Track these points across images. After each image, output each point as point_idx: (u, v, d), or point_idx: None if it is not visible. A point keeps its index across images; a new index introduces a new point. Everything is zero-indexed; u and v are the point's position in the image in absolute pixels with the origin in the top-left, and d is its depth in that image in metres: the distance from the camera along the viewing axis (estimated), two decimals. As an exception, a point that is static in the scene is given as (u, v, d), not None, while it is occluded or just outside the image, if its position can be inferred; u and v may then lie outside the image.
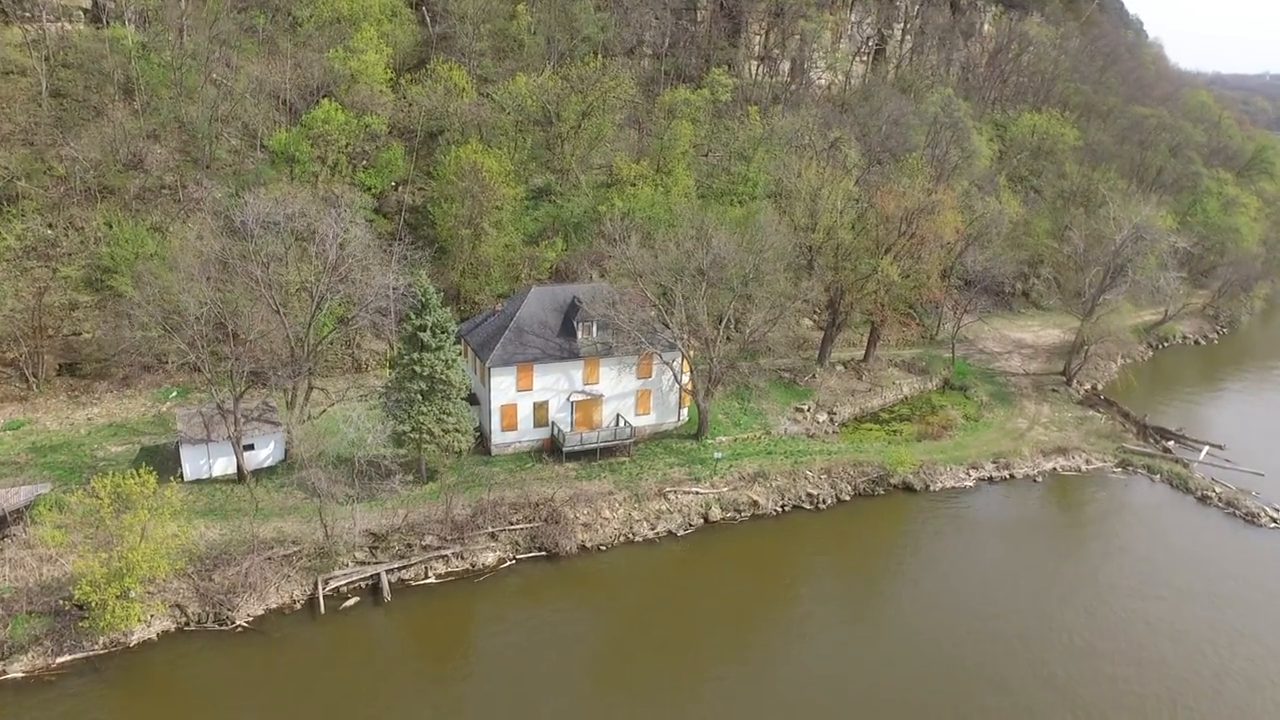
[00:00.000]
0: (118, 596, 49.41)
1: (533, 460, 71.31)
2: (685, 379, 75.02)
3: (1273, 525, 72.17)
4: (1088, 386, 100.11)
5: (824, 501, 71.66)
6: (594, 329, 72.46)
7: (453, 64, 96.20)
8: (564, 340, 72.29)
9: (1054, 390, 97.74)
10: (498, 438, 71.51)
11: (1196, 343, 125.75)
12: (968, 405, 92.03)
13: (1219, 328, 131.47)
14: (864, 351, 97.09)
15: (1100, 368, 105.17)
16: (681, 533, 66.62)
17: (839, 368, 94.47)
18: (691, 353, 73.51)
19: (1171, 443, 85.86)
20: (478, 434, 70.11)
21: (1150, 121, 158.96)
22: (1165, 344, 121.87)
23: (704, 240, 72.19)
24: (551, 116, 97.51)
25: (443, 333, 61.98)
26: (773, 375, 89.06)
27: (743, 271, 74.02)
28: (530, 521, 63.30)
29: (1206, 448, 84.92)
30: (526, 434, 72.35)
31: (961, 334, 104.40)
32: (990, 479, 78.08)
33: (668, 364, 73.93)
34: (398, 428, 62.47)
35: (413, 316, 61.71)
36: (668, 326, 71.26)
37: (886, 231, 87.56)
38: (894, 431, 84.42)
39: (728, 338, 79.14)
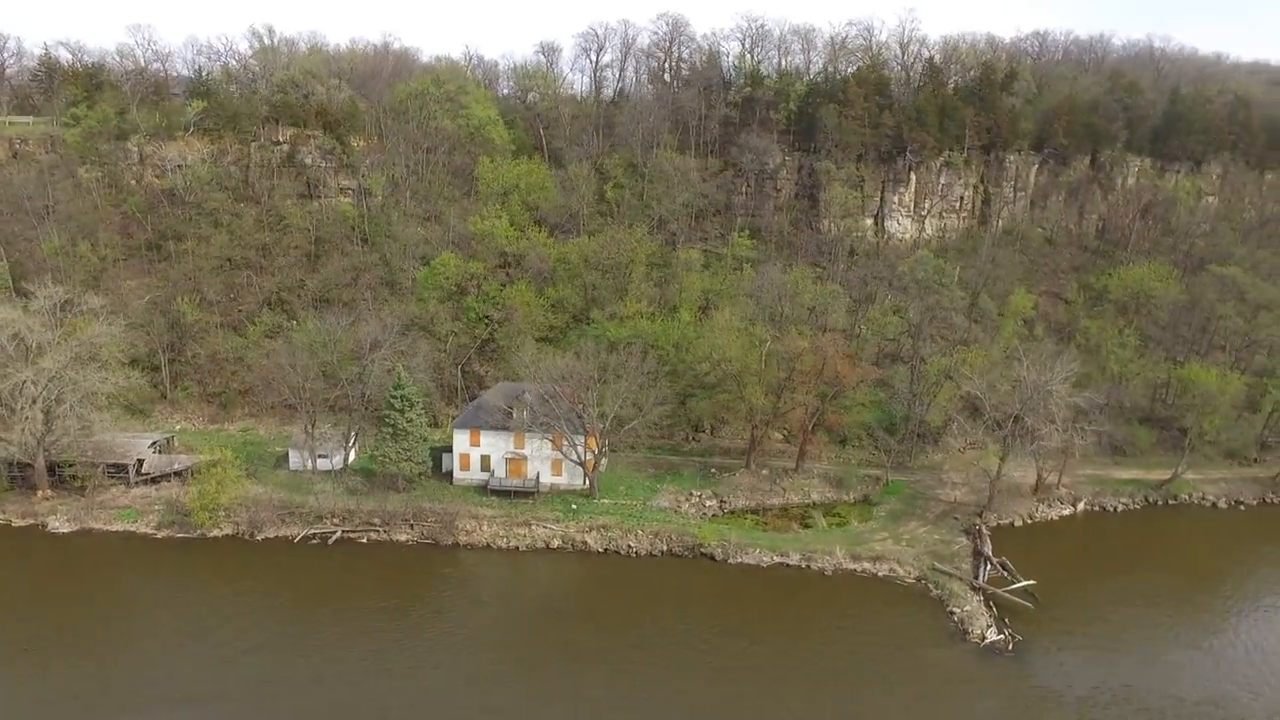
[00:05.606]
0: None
1: (476, 492, 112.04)
2: (586, 455, 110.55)
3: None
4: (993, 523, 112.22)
5: (636, 552, 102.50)
6: (524, 412, 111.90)
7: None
8: (505, 417, 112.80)
9: (956, 518, 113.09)
10: (457, 475, 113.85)
11: (1214, 505, 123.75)
12: (857, 515, 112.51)
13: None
14: (795, 462, 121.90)
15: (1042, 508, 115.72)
16: (525, 549, 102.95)
17: (765, 471, 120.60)
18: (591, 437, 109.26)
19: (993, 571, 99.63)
20: (432, 466, 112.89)
21: None
22: (1171, 501, 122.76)
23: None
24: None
25: (407, 401, 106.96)
26: (702, 467, 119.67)
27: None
28: (432, 522, 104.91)
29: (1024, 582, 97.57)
30: (475, 474, 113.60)
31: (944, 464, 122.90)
32: (787, 564, 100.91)
33: (571, 444, 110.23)
34: (374, 452, 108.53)
35: (391, 390, 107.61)
36: (580, 418, 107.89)
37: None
38: (763, 524, 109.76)
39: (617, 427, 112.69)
